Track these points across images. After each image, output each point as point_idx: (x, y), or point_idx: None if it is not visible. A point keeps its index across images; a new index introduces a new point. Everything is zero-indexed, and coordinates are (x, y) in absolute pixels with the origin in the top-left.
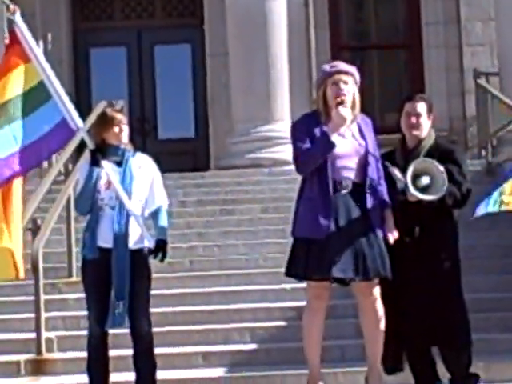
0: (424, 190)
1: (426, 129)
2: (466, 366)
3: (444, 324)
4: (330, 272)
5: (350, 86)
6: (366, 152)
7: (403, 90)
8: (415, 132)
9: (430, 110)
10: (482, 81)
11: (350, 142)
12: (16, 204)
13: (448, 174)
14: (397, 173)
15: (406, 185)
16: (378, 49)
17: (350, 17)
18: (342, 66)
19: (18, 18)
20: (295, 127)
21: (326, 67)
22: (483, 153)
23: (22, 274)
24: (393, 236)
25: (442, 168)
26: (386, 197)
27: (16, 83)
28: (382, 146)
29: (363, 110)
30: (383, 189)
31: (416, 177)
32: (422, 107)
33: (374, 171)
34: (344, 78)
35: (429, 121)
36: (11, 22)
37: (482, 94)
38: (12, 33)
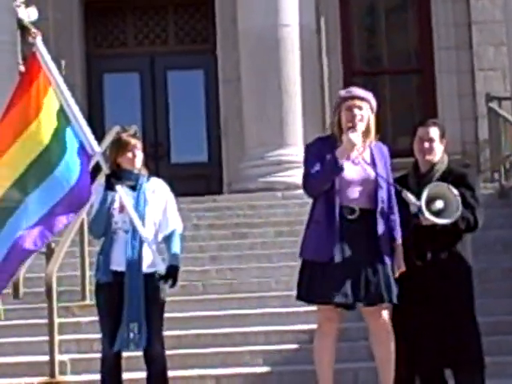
0: (438, 213)
1: (438, 153)
2: None
3: (457, 347)
4: (331, 297)
5: (365, 112)
6: (376, 179)
7: (415, 115)
8: (428, 157)
9: (442, 135)
10: (495, 105)
11: (360, 168)
12: None
13: (461, 198)
14: (410, 196)
15: (419, 209)
16: (390, 74)
17: (362, 42)
18: (357, 91)
19: (39, 42)
20: (308, 149)
21: (342, 92)
22: (496, 176)
23: None
24: (399, 271)
25: (456, 192)
26: (397, 227)
27: (52, 111)
28: (394, 170)
29: (376, 133)
30: (395, 218)
31: (430, 201)
32: (434, 132)
33: (385, 198)
34: (358, 103)
35: (441, 145)
36: (27, 47)
37: (495, 118)
38: (33, 57)
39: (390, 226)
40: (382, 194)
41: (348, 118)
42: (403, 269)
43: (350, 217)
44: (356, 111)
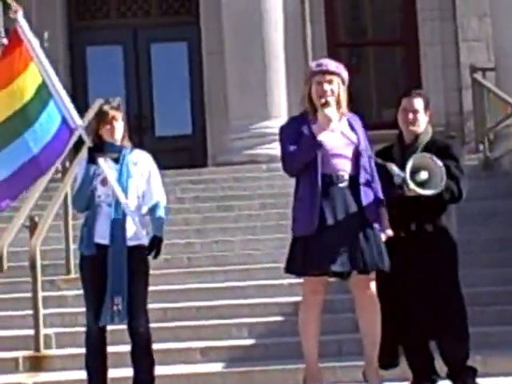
0: (422, 185)
1: (422, 124)
2: (464, 360)
3: (442, 317)
4: (329, 266)
5: (335, 86)
6: (358, 145)
7: (400, 86)
8: (412, 128)
9: (426, 106)
10: (479, 76)
11: (340, 136)
12: None
13: (445, 168)
14: (394, 168)
15: (403, 180)
16: (374, 45)
17: (346, 14)
18: (327, 65)
19: (20, 17)
20: (283, 130)
21: (312, 65)
22: (480, 147)
23: None
24: (386, 235)
25: (440, 163)
26: (379, 194)
27: (30, 84)
28: (379, 142)
29: (360, 105)
30: (377, 186)
31: (414, 172)
32: (418, 103)
33: (367, 165)
34: (328, 77)
35: (426, 116)
36: (9, 22)
37: (479, 89)
38: (14, 32)
39: (374, 193)
40: (364, 161)
41: (318, 93)
42: (390, 233)
43: (340, 184)
44: (326, 86)
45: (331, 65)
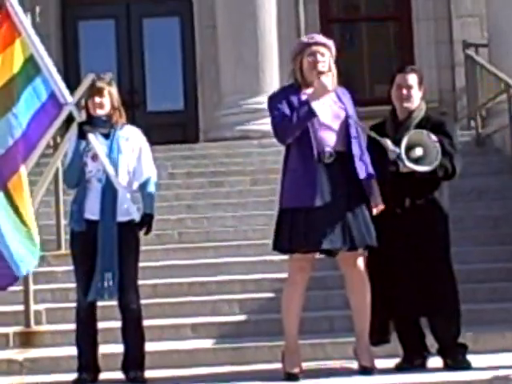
0: (417, 161)
1: (416, 100)
2: (455, 336)
3: (433, 293)
4: (317, 244)
5: (327, 58)
6: (347, 117)
7: (393, 62)
8: (406, 104)
9: (420, 82)
10: (472, 52)
11: (330, 107)
12: (27, 189)
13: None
14: (389, 143)
15: (398, 156)
16: (367, 21)
17: None
18: (319, 37)
19: None
20: (272, 98)
21: (304, 39)
22: (473, 124)
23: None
24: (378, 208)
25: (435, 139)
26: (370, 168)
27: (16, 59)
28: (372, 118)
29: (353, 81)
30: (366, 159)
31: (409, 148)
32: (413, 79)
33: (356, 139)
34: (321, 49)
35: (420, 92)
36: None
37: (472, 66)
38: (3, 7)
39: (364, 166)
40: (354, 134)
41: (312, 64)
42: (382, 206)
43: (327, 161)
44: (319, 57)
45: (322, 38)
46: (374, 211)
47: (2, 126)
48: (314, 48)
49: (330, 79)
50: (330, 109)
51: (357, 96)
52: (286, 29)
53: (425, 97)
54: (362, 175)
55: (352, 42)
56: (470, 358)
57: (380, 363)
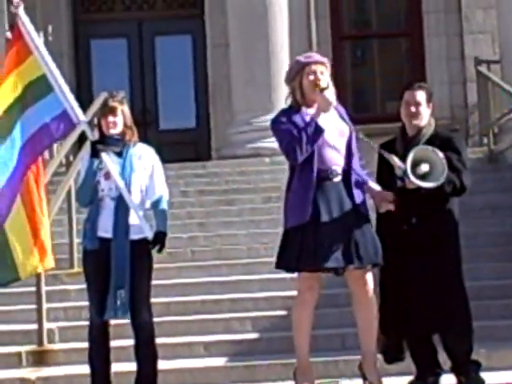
0: (423, 177)
1: (425, 117)
2: (467, 353)
3: (445, 310)
4: (323, 262)
5: (326, 76)
6: (351, 133)
7: (404, 79)
8: (415, 121)
9: (429, 99)
10: (483, 68)
11: (334, 126)
12: (37, 198)
13: (447, 161)
14: (396, 160)
15: (405, 172)
16: (378, 38)
17: (350, 6)
18: (317, 56)
19: (21, 11)
20: (275, 122)
21: (302, 58)
22: (485, 140)
23: (52, 264)
24: (385, 207)
25: (441, 154)
26: (366, 177)
27: (30, 76)
28: (383, 135)
29: (365, 98)
30: (362, 171)
31: (415, 164)
32: (421, 96)
33: (356, 156)
34: (320, 67)
35: (428, 109)
36: (12, 16)
37: (483, 82)
38: (15, 27)
39: (363, 180)
40: (355, 152)
41: (313, 82)
42: (390, 206)
43: (334, 180)
44: (320, 75)
45: (319, 57)
46: (382, 209)
47: (13, 139)
48: (314, 67)
49: (332, 94)
50: (334, 127)
51: (368, 113)
52: (297, 46)
53: (435, 113)
54: (358, 191)
55: (364, 59)
56: (483, 374)
57: (393, 381)
